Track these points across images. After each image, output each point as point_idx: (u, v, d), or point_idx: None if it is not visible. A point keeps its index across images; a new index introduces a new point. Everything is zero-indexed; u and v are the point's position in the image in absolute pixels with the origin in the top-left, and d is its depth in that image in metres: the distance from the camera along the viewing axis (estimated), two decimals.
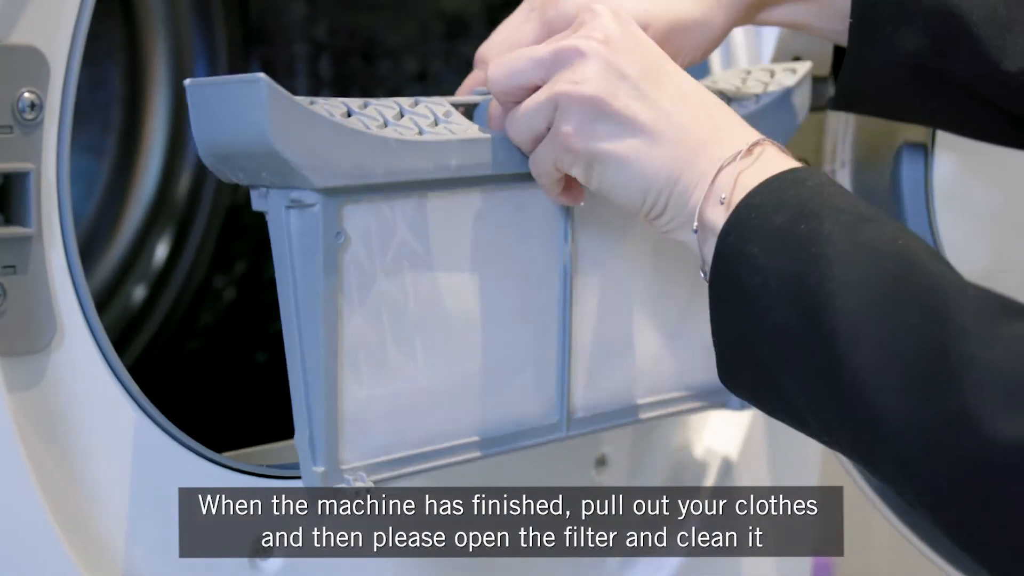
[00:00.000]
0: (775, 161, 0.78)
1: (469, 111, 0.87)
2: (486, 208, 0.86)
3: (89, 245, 1.53)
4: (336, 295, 0.80)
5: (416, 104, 0.83)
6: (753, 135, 0.80)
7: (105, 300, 1.53)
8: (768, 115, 0.95)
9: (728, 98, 0.95)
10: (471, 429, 0.89)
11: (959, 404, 0.67)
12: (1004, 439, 0.66)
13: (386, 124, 0.80)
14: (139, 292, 1.56)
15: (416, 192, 0.82)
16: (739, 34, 1.17)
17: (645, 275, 0.95)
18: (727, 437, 1.18)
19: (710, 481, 1.16)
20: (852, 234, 0.73)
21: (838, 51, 0.97)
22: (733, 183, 0.77)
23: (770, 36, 1.18)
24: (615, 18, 0.81)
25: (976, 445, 0.67)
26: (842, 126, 1.12)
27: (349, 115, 0.79)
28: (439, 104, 0.84)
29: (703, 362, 0.98)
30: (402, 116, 0.81)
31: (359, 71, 1.57)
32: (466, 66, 1.02)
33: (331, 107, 0.78)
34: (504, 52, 0.87)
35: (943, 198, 1.09)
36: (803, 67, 0.98)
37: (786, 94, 0.97)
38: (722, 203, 0.77)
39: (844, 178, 1.11)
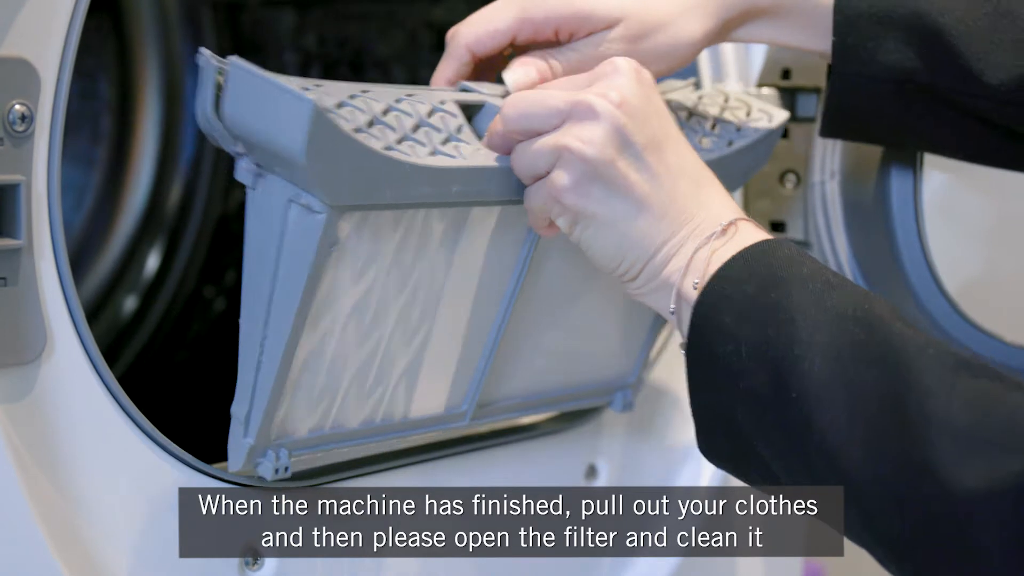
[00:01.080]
0: (749, 236, 0.81)
1: (471, 109, 0.87)
2: (472, 223, 0.87)
3: (79, 256, 1.53)
4: (314, 293, 0.80)
5: (432, 114, 0.83)
6: (732, 212, 0.82)
7: (95, 311, 1.53)
8: (736, 159, 0.96)
9: (689, 112, 0.96)
10: (390, 415, 0.91)
11: (921, 457, 0.71)
12: (963, 489, 0.69)
13: (403, 139, 0.81)
14: (130, 303, 1.56)
15: (410, 208, 0.83)
16: (729, 47, 1.17)
17: (577, 290, 0.98)
18: None
19: (709, 481, 1.17)
20: (819, 301, 0.76)
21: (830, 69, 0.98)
22: (708, 258, 0.80)
23: (759, 49, 1.18)
24: (636, 78, 0.82)
25: (937, 496, 0.70)
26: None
27: (372, 124, 0.79)
28: (453, 116, 0.84)
29: (597, 364, 1.04)
30: (417, 129, 0.82)
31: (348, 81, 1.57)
32: None
33: (356, 109, 0.79)
34: (480, 35, 0.88)
35: (932, 209, 1.09)
36: (779, 116, 0.99)
37: (758, 141, 0.98)
38: (696, 281, 0.80)
39: (834, 190, 1.11)
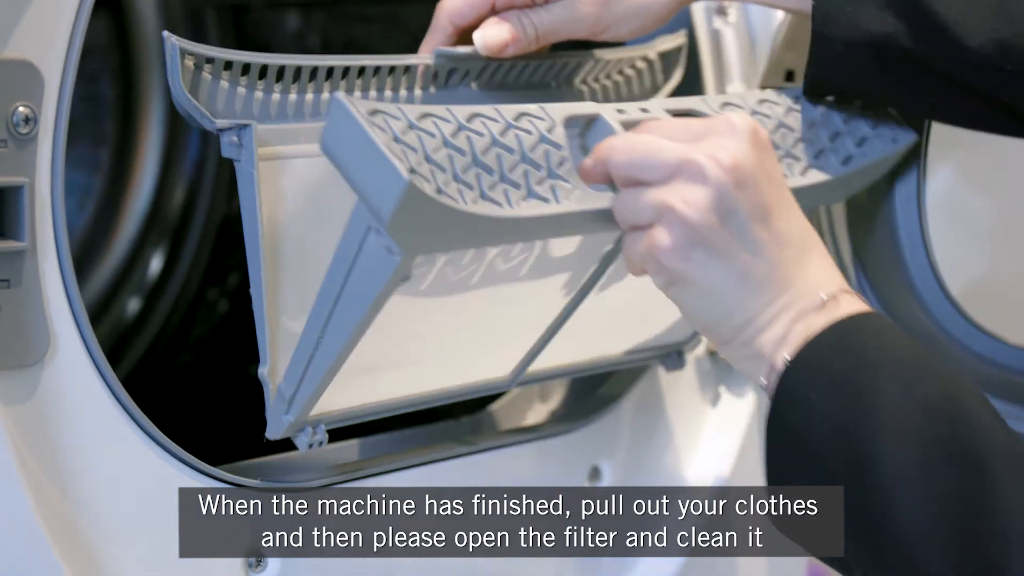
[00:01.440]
0: (846, 309, 0.79)
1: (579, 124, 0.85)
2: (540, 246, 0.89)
3: (83, 258, 1.53)
4: (376, 314, 0.81)
5: (536, 147, 0.81)
6: (834, 284, 0.80)
7: (98, 313, 1.53)
8: (851, 179, 0.97)
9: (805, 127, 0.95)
10: (429, 387, 0.93)
11: (998, 565, 0.70)
12: None
13: (498, 183, 0.79)
14: (133, 305, 1.56)
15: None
16: (732, 49, 1.17)
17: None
18: (727, 437, 1.19)
19: (710, 481, 1.17)
20: (907, 387, 0.75)
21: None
22: (804, 333, 0.78)
23: (763, 50, 1.18)
24: (751, 139, 0.79)
25: None
26: None
27: (468, 169, 0.78)
28: (558, 149, 0.82)
29: (652, 329, 1.05)
30: (516, 167, 0.80)
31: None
32: None
33: (456, 152, 0.77)
34: (459, 5, 0.90)
35: (935, 210, 1.09)
36: (906, 138, 0.99)
37: (879, 162, 0.98)
38: (788, 356, 0.78)
39: None
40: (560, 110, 0.83)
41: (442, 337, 0.91)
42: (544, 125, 0.82)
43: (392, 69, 0.89)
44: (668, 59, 1.06)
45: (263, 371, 0.86)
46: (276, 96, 0.85)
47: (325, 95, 0.87)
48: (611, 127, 0.83)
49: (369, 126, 0.74)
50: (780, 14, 1.15)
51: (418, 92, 0.92)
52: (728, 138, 0.79)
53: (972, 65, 0.90)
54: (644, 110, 0.86)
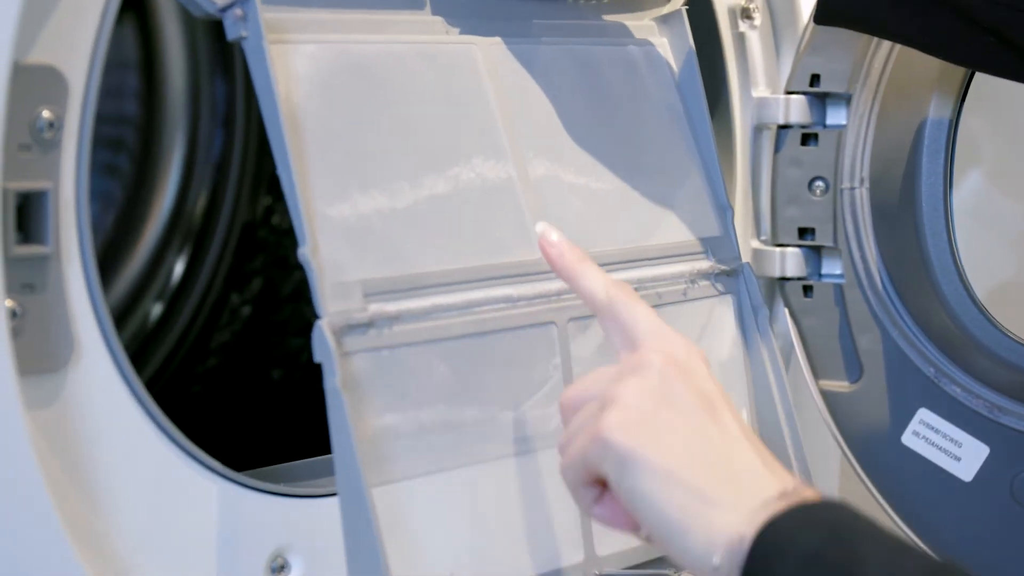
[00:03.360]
0: (809, 496, 0.72)
1: None
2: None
3: (106, 263, 1.53)
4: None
5: None
6: (794, 480, 0.74)
7: (121, 318, 1.53)
8: None
9: None
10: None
11: None
12: None
13: None
14: (156, 310, 1.56)
15: None
16: (758, 54, 1.17)
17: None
18: None
19: None
20: (890, 564, 0.68)
21: None
22: (766, 512, 0.71)
23: (788, 55, 1.18)
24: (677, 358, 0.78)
25: None
26: (860, 143, 1.11)
27: None
28: None
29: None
30: None
31: None
32: None
33: None
34: None
35: (962, 215, 1.08)
36: None
37: None
38: (752, 528, 0.71)
39: (863, 196, 1.11)
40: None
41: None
42: None
43: None
44: None
45: (303, 251, 0.82)
46: None
47: None
48: None
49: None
50: (805, 18, 1.14)
51: None
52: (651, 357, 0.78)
53: (988, 2, 0.89)
54: None
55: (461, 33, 0.96)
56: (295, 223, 0.83)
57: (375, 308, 0.84)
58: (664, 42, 1.08)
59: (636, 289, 0.96)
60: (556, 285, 0.93)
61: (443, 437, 0.86)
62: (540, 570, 0.88)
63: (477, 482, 0.87)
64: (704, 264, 1.04)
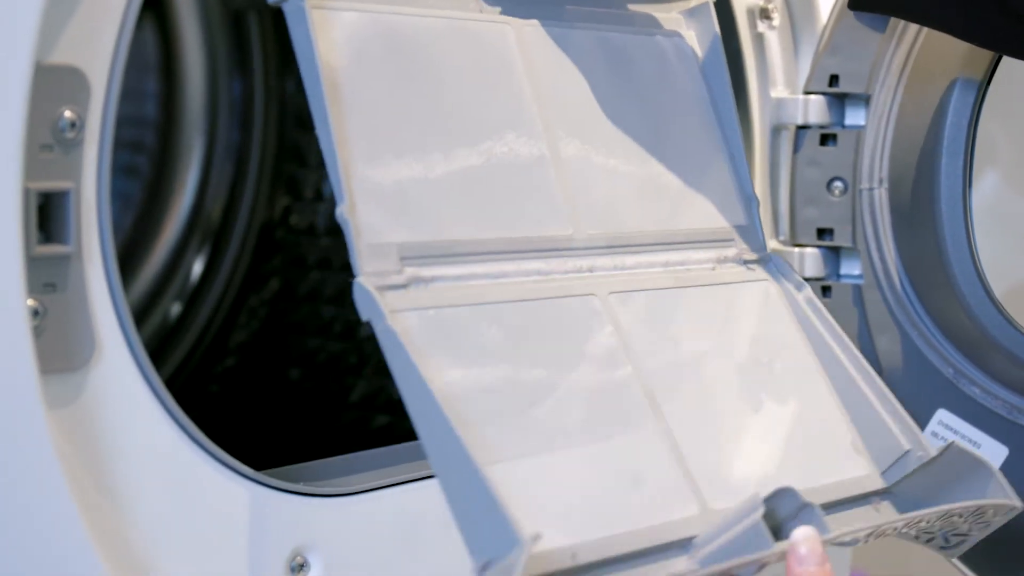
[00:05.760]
0: None
1: None
2: None
3: (125, 262, 1.53)
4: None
5: None
6: None
7: (141, 317, 1.53)
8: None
9: None
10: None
11: None
12: None
13: None
14: (174, 309, 1.57)
15: None
16: (776, 54, 1.17)
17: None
18: None
19: None
20: None
21: None
22: None
23: (806, 55, 1.18)
24: None
25: None
26: (879, 143, 1.11)
27: None
28: None
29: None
30: None
31: None
32: None
33: None
34: None
35: (982, 215, 1.08)
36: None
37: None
38: None
39: (882, 196, 1.11)
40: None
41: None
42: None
43: None
44: None
45: (341, 209, 0.83)
46: None
47: None
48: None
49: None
50: (824, 18, 1.14)
51: None
52: None
53: None
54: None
55: (496, 12, 0.97)
56: (333, 182, 0.83)
57: (411, 271, 0.85)
58: (691, 34, 1.08)
59: (666, 268, 0.98)
60: (588, 262, 0.94)
61: (521, 403, 0.86)
62: (655, 522, 0.86)
63: (572, 447, 0.86)
64: (731, 251, 1.04)
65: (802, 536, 0.79)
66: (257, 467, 0.88)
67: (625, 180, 1.01)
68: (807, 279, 1.15)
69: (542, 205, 0.95)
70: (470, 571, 0.85)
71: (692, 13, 1.09)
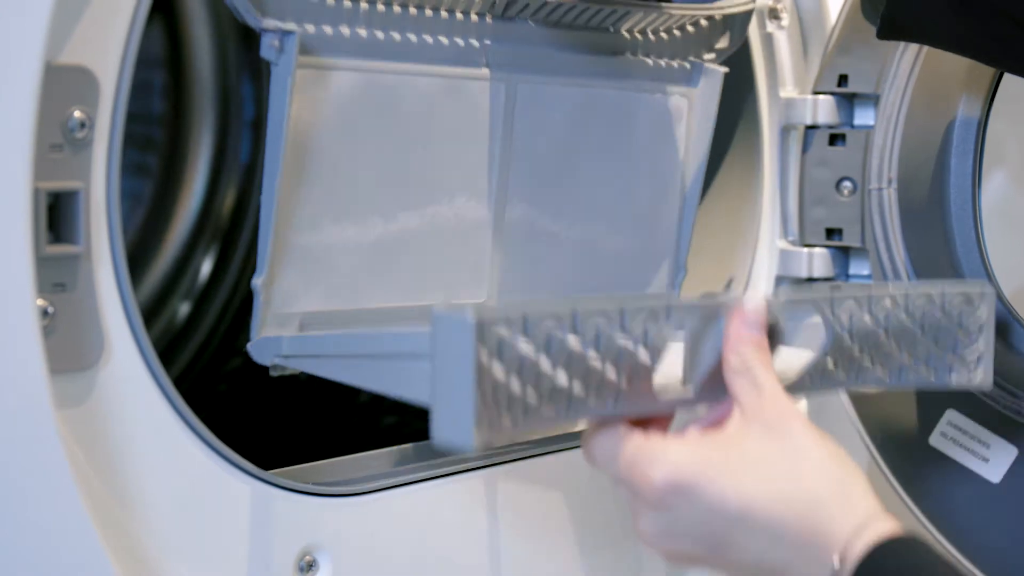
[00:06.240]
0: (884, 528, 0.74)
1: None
2: None
3: (134, 262, 1.53)
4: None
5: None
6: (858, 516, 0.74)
7: (150, 316, 1.54)
8: None
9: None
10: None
11: None
12: None
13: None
14: (183, 309, 1.57)
15: None
16: (785, 53, 1.17)
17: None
18: None
19: None
20: None
21: None
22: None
23: (815, 54, 1.17)
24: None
25: None
26: (888, 144, 1.11)
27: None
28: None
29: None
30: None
31: None
32: None
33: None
34: None
35: (991, 215, 1.08)
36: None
37: None
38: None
39: (891, 196, 1.11)
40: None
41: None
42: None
43: None
44: (731, 22, 1.07)
45: (257, 281, 0.86)
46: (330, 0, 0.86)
47: (380, 5, 0.89)
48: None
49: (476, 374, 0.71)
50: (833, 18, 1.14)
51: (474, 18, 0.94)
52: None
53: None
54: None
55: (494, 68, 0.97)
56: (259, 250, 0.86)
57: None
58: (694, 92, 1.08)
59: None
60: None
61: None
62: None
63: None
64: None
65: (753, 299, 0.80)
66: (265, 467, 0.88)
67: (562, 247, 1.03)
68: (816, 279, 1.15)
69: (465, 272, 0.97)
70: (478, 569, 0.85)
71: (705, 73, 1.08)
